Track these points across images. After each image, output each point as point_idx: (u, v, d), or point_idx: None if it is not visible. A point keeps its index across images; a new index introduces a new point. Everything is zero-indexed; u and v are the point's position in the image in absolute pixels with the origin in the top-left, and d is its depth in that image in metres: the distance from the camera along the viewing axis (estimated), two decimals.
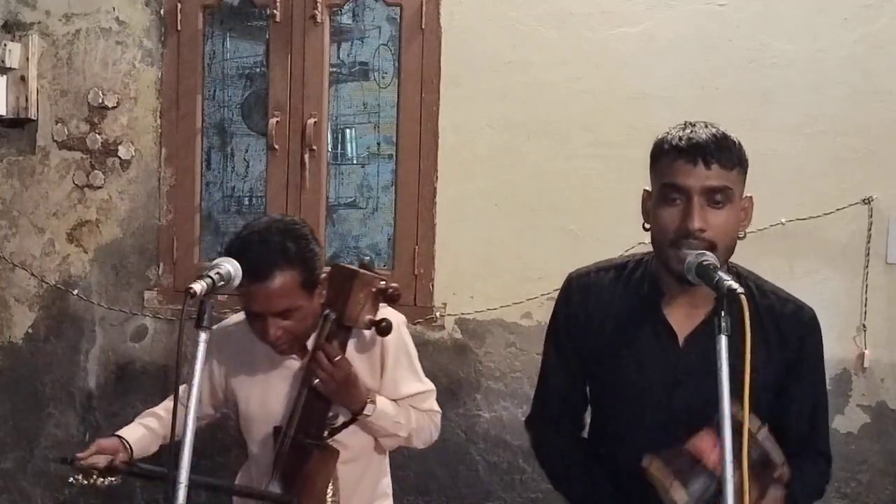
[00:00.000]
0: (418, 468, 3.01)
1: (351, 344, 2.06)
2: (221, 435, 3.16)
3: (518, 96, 2.89)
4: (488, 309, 2.92)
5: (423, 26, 2.96)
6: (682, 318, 1.83)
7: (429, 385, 2.19)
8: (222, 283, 1.61)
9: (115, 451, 2.03)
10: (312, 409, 2.03)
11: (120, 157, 3.28)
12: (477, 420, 2.96)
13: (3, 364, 3.42)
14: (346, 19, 3.40)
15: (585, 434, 2.05)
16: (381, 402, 2.07)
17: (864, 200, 2.65)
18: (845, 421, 2.68)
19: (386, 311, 2.12)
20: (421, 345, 2.99)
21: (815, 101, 2.67)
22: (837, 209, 2.65)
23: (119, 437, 2.08)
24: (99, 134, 3.29)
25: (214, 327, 2.09)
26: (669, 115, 2.67)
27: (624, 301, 1.89)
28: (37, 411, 3.37)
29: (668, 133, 1.79)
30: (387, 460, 2.27)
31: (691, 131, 1.75)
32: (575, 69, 2.84)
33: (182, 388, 1.89)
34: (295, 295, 1.99)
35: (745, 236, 1.81)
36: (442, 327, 2.98)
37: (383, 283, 2.07)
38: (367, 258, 2.20)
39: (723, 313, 1.48)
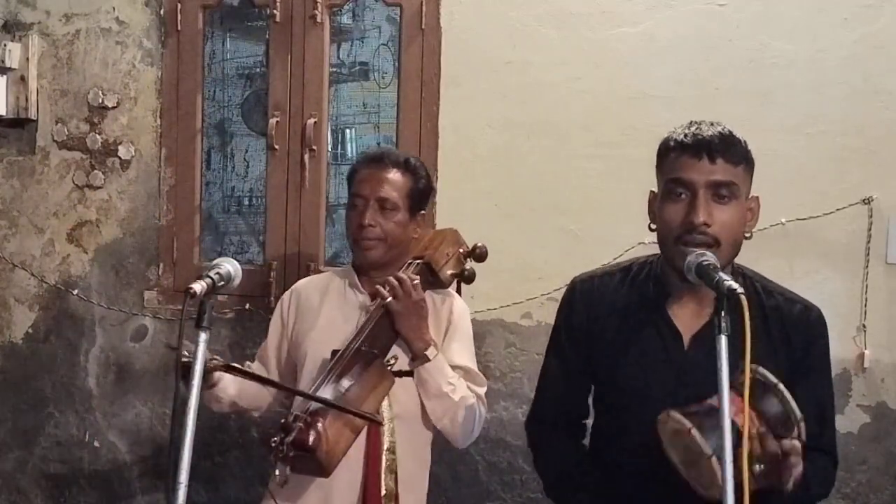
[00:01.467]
0: None
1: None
2: (221, 435, 3.16)
3: (518, 96, 2.89)
4: (488, 309, 2.92)
5: (423, 26, 2.96)
6: (687, 319, 1.83)
7: (483, 377, 2.26)
8: (222, 283, 1.62)
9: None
10: (380, 331, 2.07)
11: (120, 157, 3.28)
12: None
13: (3, 364, 3.42)
14: (346, 19, 3.40)
15: (586, 439, 2.05)
16: (441, 356, 2.12)
17: (864, 200, 2.65)
18: (845, 421, 2.67)
19: (456, 298, 2.28)
20: None
21: (815, 101, 2.67)
22: (837, 209, 2.65)
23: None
24: (99, 134, 3.29)
25: (293, 286, 2.38)
26: (669, 115, 2.69)
27: (628, 302, 1.89)
28: (37, 411, 3.37)
29: (673, 131, 1.80)
30: (429, 451, 2.26)
31: (697, 128, 1.77)
32: (575, 69, 2.84)
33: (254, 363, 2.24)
34: (401, 195, 2.20)
35: (751, 236, 1.82)
36: None
37: (469, 246, 2.25)
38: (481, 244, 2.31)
39: (723, 313, 1.48)
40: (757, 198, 1.83)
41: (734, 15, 2.72)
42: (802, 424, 1.61)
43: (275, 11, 3.07)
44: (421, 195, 2.27)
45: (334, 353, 2.08)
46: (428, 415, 2.15)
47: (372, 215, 2.18)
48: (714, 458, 1.53)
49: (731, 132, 1.76)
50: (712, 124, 1.77)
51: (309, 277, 2.50)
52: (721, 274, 1.57)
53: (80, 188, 3.32)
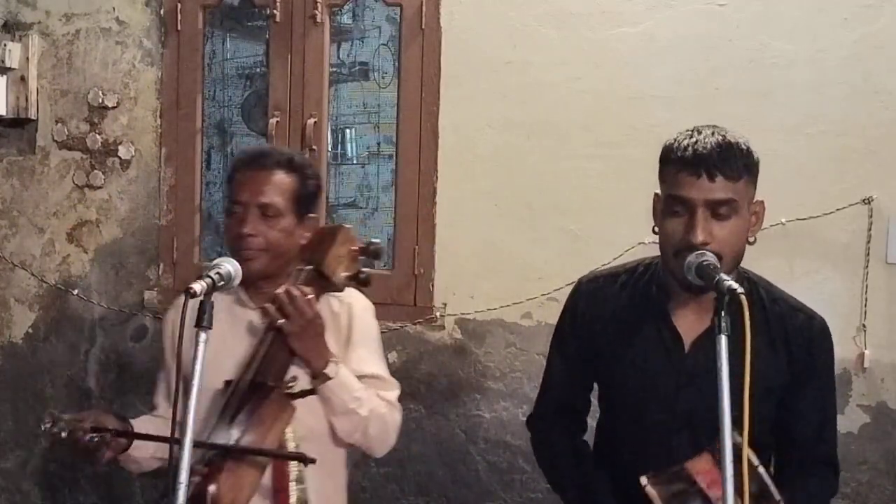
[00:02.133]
0: (418, 468, 3.01)
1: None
2: None
3: (518, 96, 2.89)
4: (488, 309, 2.92)
5: (423, 26, 2.96)
6: (688, 323, 1.83)
7: (394, 380, 2.09)
8: (222, 283, 1.61)
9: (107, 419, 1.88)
10: (274, 356, 1.87)
11: (120, 157, 3.28)
12: (477, 420, 2.96)
13: (3, 364, 3.42)
14: (346, 19, 3.40)
15: (587, 437, 2.05)
16: (344, 369, 1.93)
17: (864, 200, 2.64)
18: (845, 421, 2.67)
19: (355, 297, 2.06)
20: (421, 345, 3.00)
21: (815, 101, 2.67)
22: (837, 209, 2.65)
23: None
24: (99, 134, 3.29)
25: (177, 298, 2.06)
26: (669, 115, 2.69)
27: (631, 305, 1.89)
28: (37, 411, 3.37)
29: (675, 140, 1.77)
30: (344, 467, 2.08)
31: (696, 140, 1.72)
32: (575, 69, 2.84)
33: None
34: (285, 199, 1.97)
35: (755, 241, 1.81)
36: (442, 327, 2.98)
37: (363, 243, 2.02)
38: (350, 226, 2.11)
39: (723, 313, 1.48)
40: (762, 202, 1.81)
41: (734, 15, 2.72)
42: (783, 501, 1.64)
43: (275, 11, 3.07)
44: (309, 197, 2.03)
45: (227, 383, 1.89)
46: (334, 430, 1.98)
47: (253, 223, 1.94)
48: None
49: (731, 143, 1.72)
50: (713, 133, 1.73)
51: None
52: (721, 274, 1.57)
53: (80, 188, 3.32)
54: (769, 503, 1.62)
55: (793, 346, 1.83)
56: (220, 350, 1.93)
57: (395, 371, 2.99)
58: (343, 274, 1.96)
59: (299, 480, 1.87)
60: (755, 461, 1.61)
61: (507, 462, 2.94)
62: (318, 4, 3.05)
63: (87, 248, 3.33)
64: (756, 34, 2.71)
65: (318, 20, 3.06)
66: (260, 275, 1.96)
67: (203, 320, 1.53)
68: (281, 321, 1.85)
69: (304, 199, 2.01)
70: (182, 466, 1.43)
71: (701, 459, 1.65)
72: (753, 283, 1.87)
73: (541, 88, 2.87)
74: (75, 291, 3.31)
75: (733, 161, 1.70)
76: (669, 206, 1.75)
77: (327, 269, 1.91)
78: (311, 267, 1.95)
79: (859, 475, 2.68)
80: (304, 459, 1.75)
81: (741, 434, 1.46)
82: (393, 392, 2.06)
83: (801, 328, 1.84)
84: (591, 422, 2.06)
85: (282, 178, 1.98)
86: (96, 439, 1.81)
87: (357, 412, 1.93)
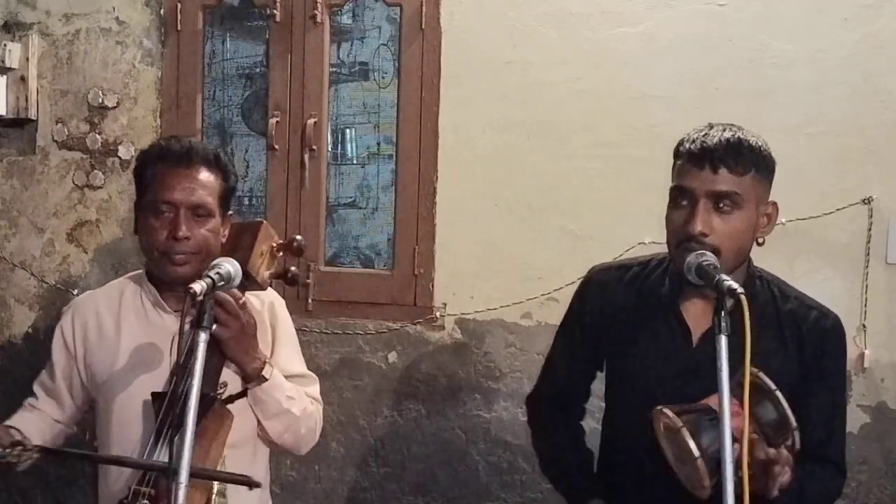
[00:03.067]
0: (418, 468, 3.01)
1: None
2: None
3: (518, 96, 2.89)
4: (488, 309, 2.92)
5: (423, 26, 2.96)
6: (698, 317, 1.84)
7: (313, 374, 2.07)
8: (222, 282, 1.61)
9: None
10: (208, 362, 1.70)
11: (120, 157, 3.28)
12: (477, 420, 2.96)
13: (3, 364, 3.42)
14: (346, 19, 3.40)
15: (583, 423, 2.08)
16: (276, 370, 1.89)
17: (864, 200, 2.64)
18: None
19: (273, 293, 2.03)
20: (421, 345, 3.00)
21: (815, 101, 2.67)
22: (837, 209, 2.65)
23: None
24: (99, 134, 3.29)
25: (73, 302, 2.08)
26: (669, 115, 2.70)
27: (642, 297, 1.91)
28: None
29: (688, 134, 1.80)
30: (267, 461, 2.04)
31: (706, 135, 1.75)
32: (575, 69, 2.84)
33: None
34: (214, 198, 1.90)
35: (763, 242, 1.81)
36: (442, 327, 2.98)
37: (284, 239, 1.94)
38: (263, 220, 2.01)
39: (723, 313, 1.48)
40: (775, 203, 1.82)
41: (734, 15, 2.72)
42: (797, 433, 1.62)
43: (275, 11, 3.07)
44: (231, 194, 1.99)
45: (155, 395, 1.80)
46: (265, 432, 1.93)
47: (187, 225, 1.86)
48: (700, 460, 1.54)
49: (741, 139, 1.74)
50: (725, 130, 1.75)
51: (90, 293, 2.11)
52: (721, 274, 1.57)
53: (80, 188, 3.32)
54: (786, 432, 1.60)
55: (805, 344, 1.83)
56: (137, 358, 1.90)
57: (395, 371, 3.01)
58: (266, 272, 1.87)
59: (221, 494, 1.79)
60: (772, 386, 1.59)
61: (507, 462, 2.94)
62: (318, 4, 3.05)
63: (87, 248, 3.33)
64: (756, 34, 2.71)
65: (318, 20, 3.06)
66: (188, 279, 1.75)
67: (203, 320, 1.52)
68: (214, 327, 1.71)
69: (228, 197, 1.97)
70: (182, 466, 1.42)
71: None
72: (766, 282, 1.88)
73: (541, 88, 2.87)
74: (75, 291, 3.31)
75: (739, 155, 1.72)
76: (674, 198, 1.78)
77: (251, 268, 1.81)
78: None
79: (859, 475, 2.68)
80: (252, 484, 1.68)
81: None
82: (315, 387, 2.05)
83: (813, 326, 1.84)
84: (593, 423, 2.07)
85: (210, 177, 1.92)
86: (16, 454, 1.77)
87: (291, 412, 1.91)
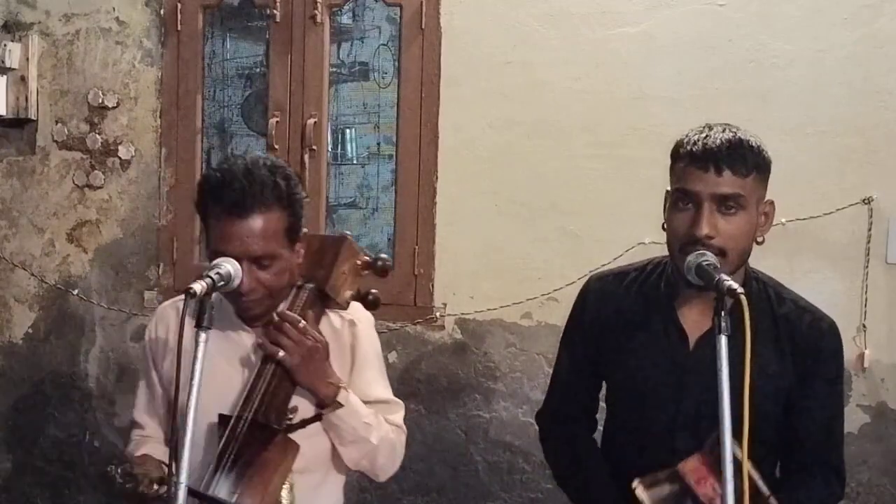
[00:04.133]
0: (418, 468, 3.01)
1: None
2: None
3: (518, 96, 2.89)
4: (488, 309, 2.92)
5: (423, 26, 2.96)
6: (694, 320, 1.83)
7: (398, 400, 1.98)
8: (222, 283, 1.59)
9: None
10: (275, 391, 1.72)
11: (120, 157, 3.28)
12: (477, 420, 2.96)
13: (3, 364, 3.42)
14: (346, 19, 3.40)
15: (596, 434, 2.06)
16: (353, 396, 1.81)
17: (864, 200, 2.64)
18: (845, 421, 2.67)
19: (356, 310, 1.90)
20: (421, 345, 3.00)
21: (815, 101, 2.67)
22: (837, 209, 2.65)
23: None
24: (99, 134, 3.29)
25: (158, 308, 1.97)
26: (669, 115, 2.69)
27: (639, 302, 1.89)
28: (37, 411, 3.37)
29: (686, 136, 1.78)
30: (342, 486, 1.96)
31: (707, 136, 1.73)
32: (575, 69, 2.84)
33: None
34: (277, 240, 1.73)
35: (763, 241, 1.81)
36: (442, 327, 2.98)
37: (369, 256, 1.84)
38: (350, 233, 1.92)
39: (723, 313, 1.48)
40: (772, 202, 1.81)
41: (734, 15, 2.72)
42: (773, 500, 1.62)
43: (275, 11, 3.07)
44: (297, 220, 1.78)
45: (221, 418, 1.72)
46: (340, 458, 1.86)
47: (250, 279, 1.70)
48: None
49: (742, 140, 1.73)
50: (724, 130, 1.74)
51: (174, 300, 1.96)
52: (721, 274, 1.56)
53: (80, 188, 3.32)
54: (760, 499, 1.61)
55: (800, 347, 1.82)
56: (214, 376, 1.77)
57: (395, 371, 3.01)
58: (348, 293, 1.79)
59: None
60: (739, 456, 1.61)
61: (507, 462, 2.94)
62: (318, 4, 3.05)
63: (87, 248, 3.33)
64: (756, 34, 2.71)
65: (318, 20, 3.06)
66: (263, 317, 1.78)
67: (203, 320, 1.51)
68: (281, 355, 1.71)
69: (296, 225, 1.78)
70: (182, 466, 1.42)
71: (692, 459, 1.65)
72: (762, 283, 1.87)
73: (541, 88, 2.87)
74: (75, 291, 3.31)
75: (742, 157, 1.71)
76: (676, 200, 1.76)
77: (331, 289, 1.75)
78: (312, 285, 1.80)
79: (859, 475, 2.68)
80: None
81: (740, 439, 1.46)
82: (398, 414, 1.96)
83: (808, 329, 1.83)
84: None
85: (270, 221, 1.72)
86: (162, 492, 1.68)
87: (368, 440, 1.82)
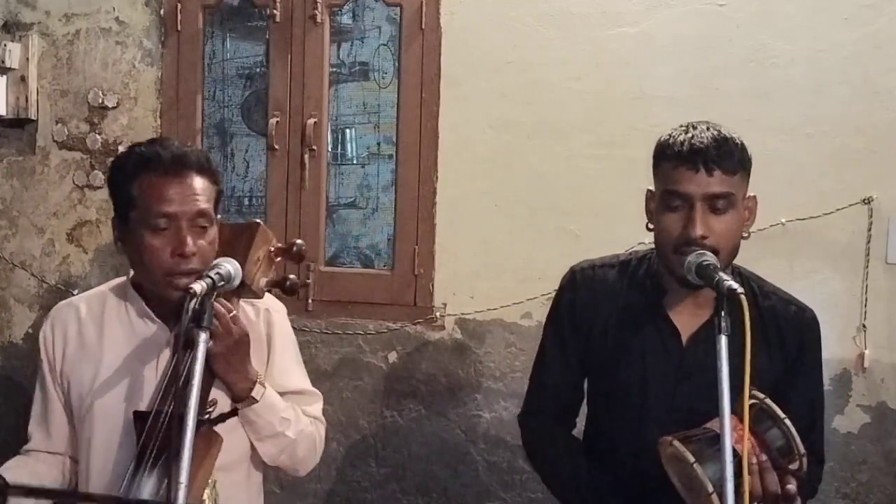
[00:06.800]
0: (418, 468, 3.01)
1: None
2: None
3: (518, 96, 2.89)
4: (488, 309, 2.92)
5: (423, 26, 2.96)
6: (686, 317, 1.84)
7: (316, 391, 1.92)
8: (222, 283, 1.58)
9: None
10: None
11: None
12: (477, 420, 2.96)
13: (3, 364, 3.42)
14: (346, 19, 3.40)
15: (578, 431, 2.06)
16: (270, 390, 1.75)
17: (864, 200, 2.64)
18: (845, 421, 2.68)
19: (270, 299, 1.85)
20: (421, 345, 3.00)
21: (815, 101, 2.67)
22: (837, 209, 2.65)
23: None
24: (99, 134, 3.29)
25: (53, 309, 1.91)
26: (669, 115, 2.69)
27: (627, 298, 1.90)
28: None
29: (669, 136, 1.78)
30: (261, 491, 1.90)
31: (692, 136, 1.73)
32: (575, 69, 2.84)
33: None
34: (211, 205, 1.71)
35: (749, 236, 1.81)
36: (442, 327, 2.98)
37: (282, 243, 1.78)
38: (259, 220, 1.84)
39: (723, 313, 1.48)
40: (754, 197, 1.83)
41: (734, 15, 2.72)
42: (805, 459, 1.63)
43: (275, 11, 3.07)
44: (219, 200, 1.78)
45: (137, 415, 1.64)
46: (258, 455, 1.81)
47: (192, 239, 1.67)
48: (715, 496, 1.52)
49: (726, 137, 1.74)
50: (708, 128, 1.75)
51: (70, 301, 1.94)
52: (721, 274, 1.57)
53: (80, 188, 3.32)
54: (793, 458, 1.62)
55: (786, 339, 1.85)
56: (121, 372, 1.75)
57: (395, 371, 3.01)
58: (263, 280, 1.72)
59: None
60: (781, 414, 1.62)
61: (507, 462, 2.94)
62: (318, 4, 3.05)
63: (87, 249, 3.33)
64: (755, 34, 2.71)
65: (318, 20, 3.06)
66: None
67: (203, 320, 1.49)
68: None
69: (219, 202, 1.78)
70: (182, 466, 1.41)
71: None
72: (745, 279, 1.89)
73: (541, 88, 2.87)
74: (75, 292, 3.31)
75: (730, 154, 1.72)
76: (666, 202, 1.76)
77: (247, 275, 1.66)
78: None
79: (859, 475, 2.68)
80: None
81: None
82: (317, 405, 1.90)
83: (792, 320, 1.86)
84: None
85: (205, 182, 1.73)
86: None
87: (285, 434, 1.77)
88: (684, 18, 2.75)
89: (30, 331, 3.39)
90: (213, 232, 1.73)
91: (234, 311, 1.68)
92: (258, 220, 1.79)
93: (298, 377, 1.90)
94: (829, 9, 2.65)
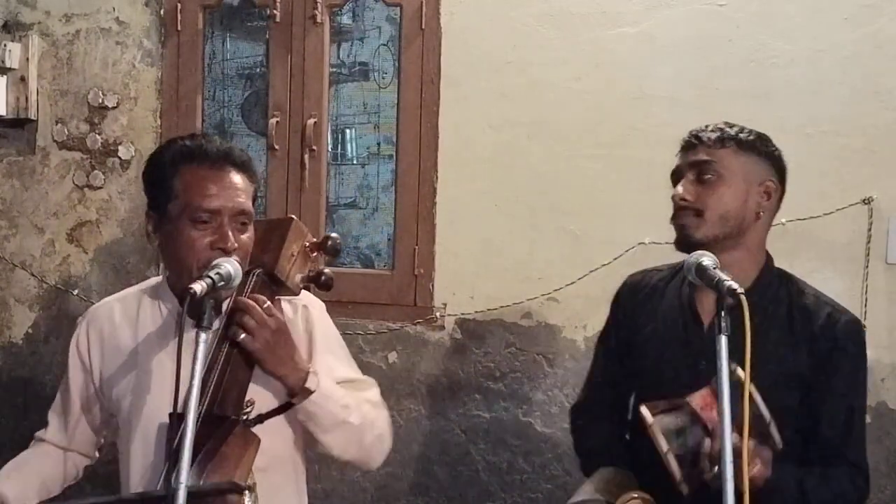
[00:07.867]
0: (418, 468, 3.01)
1: None
2: None
3: (518, 96, 2.89)
4: (488, 309, 2.92)
5: (423, 26, 2.96)
6: (710, 306, 1.85)
7: (369, 378, 1.87)
8: (222, 283, 1.57)
9: None
10: (229, 380, 1.61)
11: (120, 158, 3.28)
12: (477, 420, 2.96)
13: (3, 364, 3.42)
14: (346, 19, 3.41)
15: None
16: (324, 378, 1.70)
17: (864, 200, 2.64)
18: None
19: (307, 295, 1.83)
20: (421, 345, 3.00)
21: (815, 101, 2.67)
22: (837, 209, 2.65)
23: None
24: (99, 134, 3.29)
25: (87, 311, 1.93)
26: (669, 115, 2.70)
27: (666, 296, 1.98)
28: (37, 412, 3.36)
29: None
30: (304, 488, 1.86)
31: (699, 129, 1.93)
32: (575, 69, 2.84)
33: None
34: (251, 204, 1.71)
35: (763, 215, 1.91)
36: (442, 327, 2.98)
37: (317, 238, 1.76)
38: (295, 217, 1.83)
39: (723, 313, 1.49)
40: (774, 181, 1.94)
41: (734, 15, 2.72)
42: (773, 426, 1.64)
43: (275, 11, 3.07)
44: (255, 198, 1.79)
45: (173, 416, 1.57)
46: (325, 449, 1.76)
47: (234, 235, 1.66)
48: (670, 455, 1.61)
49: (725, 123, 1.90)
50: (722, 123, 1.92)
51: (105, 301, 1.93)
52: (721, 274, 1.57)
53: (80, 188, 3.32)
54: (762, 426, 1.64)
55: (816, 339, 1.85)
56: (156, 375, 1.74)
57: (395, 371, 3.01)
58: (298, 276, 1.71)
59: None
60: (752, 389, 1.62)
61: (507, 462, 2.94)
62: (318, 4, 3.05)
63: (87, 249, 3.33)
64: (756, 34, 2.71)
65: (318, 20, 3.06)
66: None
67: (203, 320, 1.48)
68: (242, 337, 1.61)
69: (256, 199, 1.78)
70: (183, 466, 1.41)
71: (700, 391, 1.69)
72: (785, 278, 1.95)
73: (541, 88, 2.87)
74: (75, 291, 3.31)
75: (720, 132, 1.87)
76: (672, 183, 1.92)
77: (280, 272, 1.66)
78: (260, 270, 1.71)
79: None
80: (237, 490, 1.49)
81: (741, 430, 1.47)
82: (374, 390, 1.85)
83: (826, 323, 1.87)
84: None
85: (246, 180, 1.72)
86: None
87: (350, 422, 1.71)
88: (684, 18, 2.75)
89: (29, 331, 3.39)
90: (251, 229, 1.72)
91: (268, 303, 1.64)
92: (292, 216, 1.78)
93: (346, 368, 1.84)
94: (829, 9, 2.65)
